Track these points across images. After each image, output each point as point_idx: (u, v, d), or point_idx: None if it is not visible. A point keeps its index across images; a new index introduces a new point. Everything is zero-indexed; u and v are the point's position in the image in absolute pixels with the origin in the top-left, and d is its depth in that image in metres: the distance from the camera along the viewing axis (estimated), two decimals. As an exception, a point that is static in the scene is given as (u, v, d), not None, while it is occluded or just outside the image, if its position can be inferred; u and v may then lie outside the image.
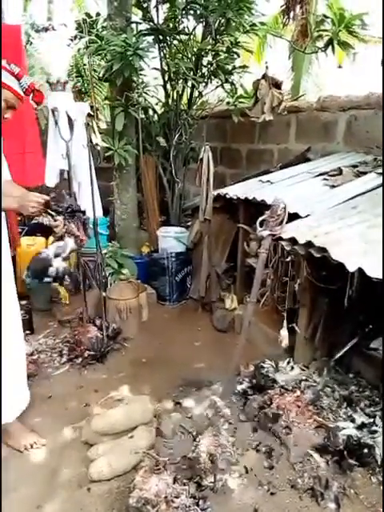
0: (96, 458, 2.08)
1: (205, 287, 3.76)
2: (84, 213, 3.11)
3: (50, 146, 2.76)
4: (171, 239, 4.14)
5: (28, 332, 3.18)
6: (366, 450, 2.08)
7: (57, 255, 2.72)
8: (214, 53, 4.14)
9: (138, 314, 3.50)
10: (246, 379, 2.68)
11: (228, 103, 4.47)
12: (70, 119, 2.66)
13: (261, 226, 2.50)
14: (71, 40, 3.66)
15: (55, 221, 2.15)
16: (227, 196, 3.47)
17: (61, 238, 2.24)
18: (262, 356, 2.89)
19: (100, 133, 3.28)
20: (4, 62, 2.11)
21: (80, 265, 3.02)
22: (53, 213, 2.14)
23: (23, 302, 3.35)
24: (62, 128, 2.62)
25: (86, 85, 5.33)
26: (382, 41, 4.45)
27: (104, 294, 3.28)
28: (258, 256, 2.60)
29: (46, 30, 3.93)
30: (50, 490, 2.00)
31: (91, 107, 2.93)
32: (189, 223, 4.70)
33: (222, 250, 4.11)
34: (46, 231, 4.82)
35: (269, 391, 2.49)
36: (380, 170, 2.96)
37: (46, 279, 2.89)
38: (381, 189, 2.68)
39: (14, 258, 3.87)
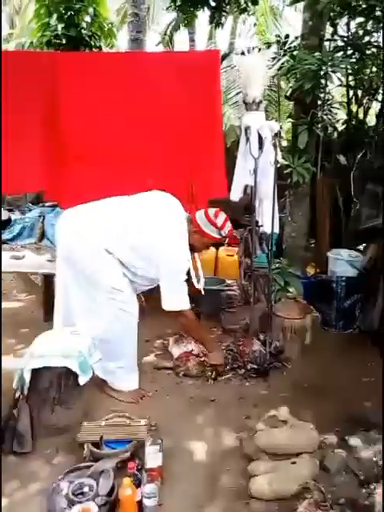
0: (257, 474, 2.06)
1: (379, 319, 3.44)
2: (260, 226, 3.19)
3: (239, 162, 2.90)
4: (343, 262, 3.91)
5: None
6: None
7: None
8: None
9: (302, 335, 3.38)
10: None
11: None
12: (260, 137, 2.75)
13: None
14: (272, 59, 3.87)
15: None
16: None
17: None
18: None
19: (281, 150, 3.32)
20: (212, 213, 2.66)
21: (252, 277, 3.08)
22: None
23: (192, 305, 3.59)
24: (253, 145, 2.73)
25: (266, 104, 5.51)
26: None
27: (271, 309, 3.27)
28: None
29: (243, 53, 4.22)
30: (211, 493, 2.05)
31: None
32: (361, 247, 4.39)
33: (401, 279, 3.71)
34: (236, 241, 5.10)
35: None
36: None
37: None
38: None
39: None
